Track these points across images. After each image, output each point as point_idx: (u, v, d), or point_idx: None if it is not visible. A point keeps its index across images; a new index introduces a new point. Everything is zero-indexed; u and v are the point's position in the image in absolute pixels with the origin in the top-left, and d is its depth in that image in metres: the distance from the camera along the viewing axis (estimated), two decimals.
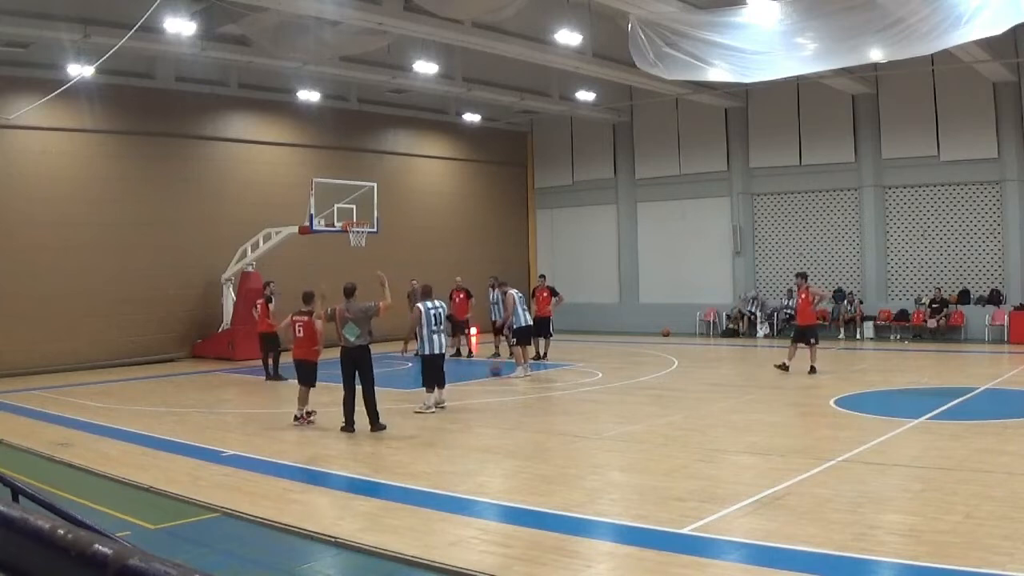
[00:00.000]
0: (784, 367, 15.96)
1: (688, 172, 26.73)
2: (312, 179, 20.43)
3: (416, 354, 13.18)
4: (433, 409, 12.35)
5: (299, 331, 12.18)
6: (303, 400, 11.80)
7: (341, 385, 11.23)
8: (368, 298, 11.75)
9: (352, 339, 11.07)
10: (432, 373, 12.45)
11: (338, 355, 11.39)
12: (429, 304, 12.46)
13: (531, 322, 17.69)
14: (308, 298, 12.55)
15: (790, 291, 24.64)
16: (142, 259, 20.40)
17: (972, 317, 21.93)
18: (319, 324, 11.95)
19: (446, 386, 12.80)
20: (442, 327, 12.51)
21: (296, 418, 11.72)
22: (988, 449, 9.03)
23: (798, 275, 17.06)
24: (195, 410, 13.51)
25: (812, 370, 15.75)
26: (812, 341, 16.04)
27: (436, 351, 12.35)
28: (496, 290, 19.90)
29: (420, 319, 12.33)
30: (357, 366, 11.05)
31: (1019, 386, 14.26)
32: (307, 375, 11.89)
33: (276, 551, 6.54)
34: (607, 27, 17.77)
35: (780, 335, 24.29)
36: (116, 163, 20.42)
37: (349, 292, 11.39)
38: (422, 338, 12.35)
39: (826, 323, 23.85)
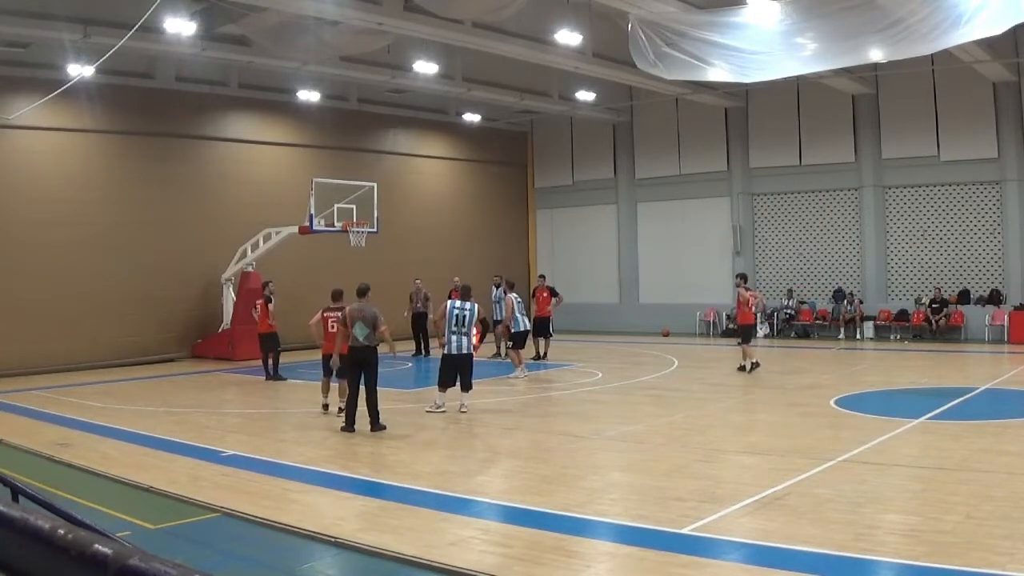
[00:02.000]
0: (755, 365, 16.26)
1: (688, 172, 26.72)
2: (312, 179, 20.43)
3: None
4: (443, 408, 12.35)
5: (333, 327, 12.32)
6: (343, 392, 12.02)
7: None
8: (378, 299, 11.87)
9: (361, 338, 11.12)
10: (446, 373, 12.42)
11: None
12: (456, 303, 12.47)
13: (528, 326, 17.69)
14: (338, 295, 12.73)
15: (790, 291, 24.71)
16: (142, 259, 20.38)
17: (972, 317, 21.93)
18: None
19: (467, 393, 12.49)
20: (465, 329, 12.33)
21: (340, 410, 11.77)
22: (988, 449, 9.03)
23: (738, 275, 17.42)
24: (195, 410, 13.50)
25: (742, 368, 16.20)
26: (739, 341, 16.65)
27: (453, 351, 12.33)
28: (499, 289, 19.90)
29: (443, 316, 12.42)
30: (363, 367, 11.07)
31: (1019, 386, 14.26)
32: (343, 368, 12.13)
33: (276, 551, 6.54)
34: (607, 27, 17.77)
35: (780, 335, 24.31)
36: (116, 163, 20.42)
37: (362, 292, 11.51)
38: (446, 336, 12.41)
39: (826, 322, 23.93)
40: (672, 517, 6.89)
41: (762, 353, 21.54)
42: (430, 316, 20.05)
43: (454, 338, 12.29)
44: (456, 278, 21.27)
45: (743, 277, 17.23)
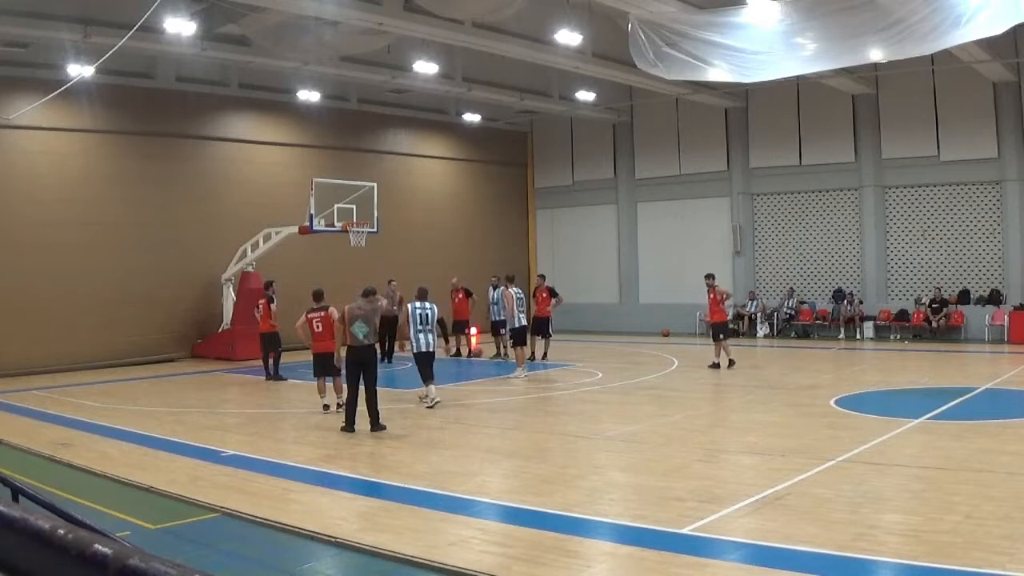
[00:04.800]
0: (717, 365, 16.84)
1: (688, 172, 26.72)
2: (312, 179, 20.42)
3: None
4: (438, 399, 12.79)
5: (318, 326, 12.68)
6: (339, 390, 12.37)
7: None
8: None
9: (361, 337, 11.17)
10: (424, 369, 12.91)
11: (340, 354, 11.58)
12: (418, 304, 12.96)
13: (524, 323, 17.62)
14: (319, 296, 13.13)
15: (790, 291, 24.71)
16: (142, 259, 20.38)
17: (972, 317, 21.92)
18: (335, 314, 12.44)
19: (434, 385, 12.98)
20: (429, 327, 12.89)
21: (339, 406, 11.97)
22: (988, 449, 9.02)
23: (707, 276, 17.70)
24: (195, 410, 13.51)
25: (720, 365, 16.72)
26: (721, 337, 17.05)
27: (422, 349, 12.81)
28: (496, 290, 19.83)
29: (407, 319, 12.89)
30: (363, 366, 11.11)
31: (1019, 386, 14.26)
32: (334, 366, 12.47)
33: (276, 551, 6.54)
34: (607, 27, 17.77)
35: (780, 335, 24.31)
36: (116, 163, 20.42)
37: (367, 293, 11.73)
38: (411, 337, 12.87)
39: (826, 322, 23.94)
40: (672, 517, 6.89)
41: (763, 353, 21.63)
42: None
43: (421, 336, 12.81)
44: (455, 279, 21.28)
45: (713, 277, 17.57)
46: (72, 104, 18.71)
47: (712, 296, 17.13)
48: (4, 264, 18.28)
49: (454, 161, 28.29)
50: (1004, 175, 21.58)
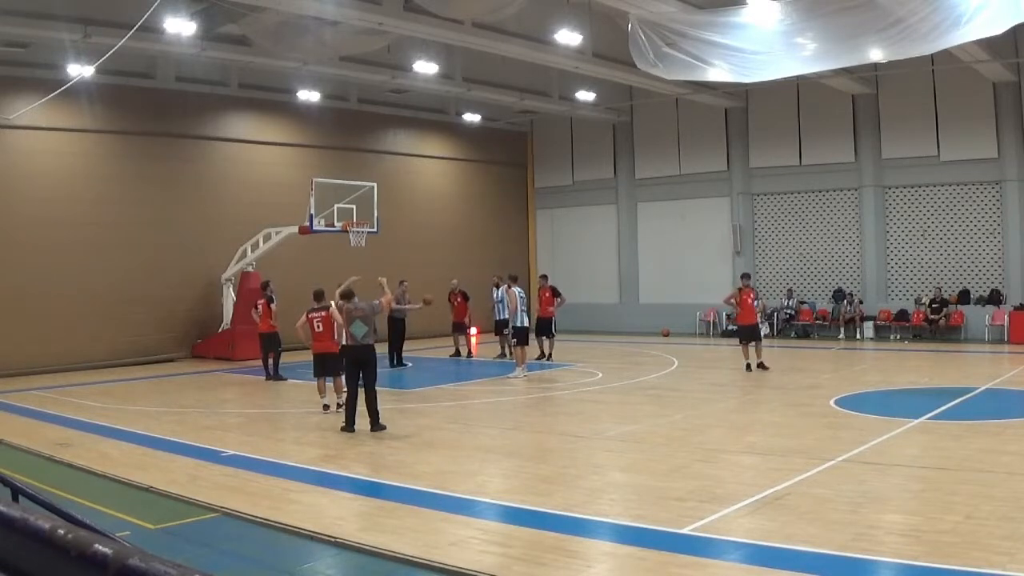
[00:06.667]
0: (763, 366, 16.46)
1: (688, 172, 26.73)
2: (312, 179, 20.42)
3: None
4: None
5: (318, 326, 12.70)
6: (338, 390, 12.41)
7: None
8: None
9: (360, 337, 11.16)
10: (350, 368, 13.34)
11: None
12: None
13: (526, 323, 17.56)
14: (319, 296, 13.10)
15: (790, 291, 24.71)
16: (142, 259, 20.38)
17: (972, 317, 21.93)
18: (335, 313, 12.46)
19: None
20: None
21: (339, 406, 11.97)
22: (988, 449, 9.03)
23: (744, 276, 17.60)
24: (195, 410, 13.51)
25: (760, 366, 16.40)
26: (755, 340, 16.72)
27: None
28: (499, 289, 19.80)
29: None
30: (362, 366, 11.11)
31: (1019, 386, 14.26)
32: (334, 366, 12.48)
33: (276, 551, 6.54)
34: (607, 27, 17.78)
35: (780, 335, 24.31)
36: (116, 163, 20.41)
37: (348, 296, 11.63)
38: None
39: (826, 322, 23.94)
40: (672, 517, 6.89)
41: (763, 353, 21.59)
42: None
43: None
44: (454, 280, 21.28)
45: (749, 276, 17.53)
46: (72, 104, 18.70)
47: (752, 297, 16.95)
48: (4, 264, 18.28)
49: (454, 161, 28.29)
50: (1004, 175, 21.59)
